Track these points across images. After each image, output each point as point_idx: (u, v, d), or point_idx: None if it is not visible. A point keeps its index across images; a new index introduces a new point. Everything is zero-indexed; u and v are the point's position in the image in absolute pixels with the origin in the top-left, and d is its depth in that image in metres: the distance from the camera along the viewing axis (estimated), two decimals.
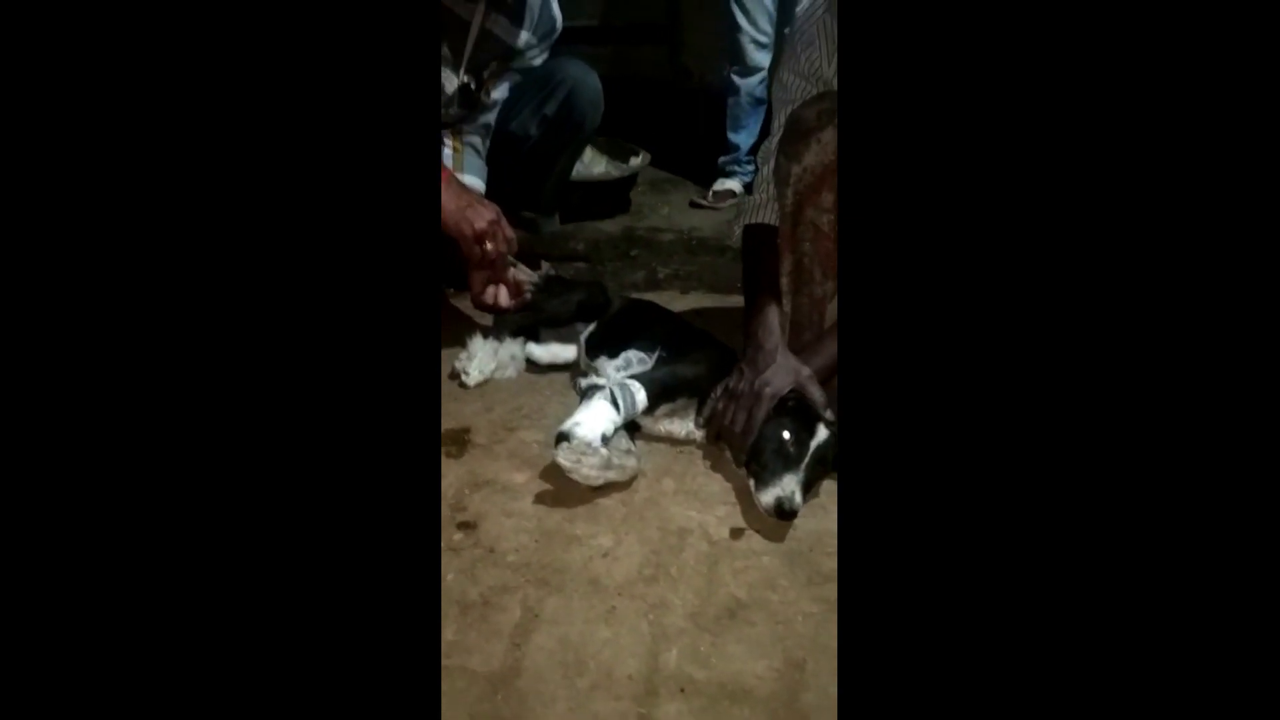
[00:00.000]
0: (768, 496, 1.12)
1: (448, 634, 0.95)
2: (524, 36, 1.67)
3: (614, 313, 1.56)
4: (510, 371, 1.52)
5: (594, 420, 1.19)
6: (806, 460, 1.15)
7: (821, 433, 1.18)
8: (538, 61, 1.74)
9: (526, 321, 1.57)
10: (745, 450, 1.20)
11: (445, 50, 1.58)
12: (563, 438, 1.17)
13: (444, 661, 0.91)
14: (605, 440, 1.18)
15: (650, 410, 1.28)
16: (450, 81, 1.62)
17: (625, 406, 1.23)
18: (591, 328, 1.53)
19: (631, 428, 1.31)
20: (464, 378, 1.47)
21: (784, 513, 1.10)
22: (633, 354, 1.36)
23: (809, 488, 1.15)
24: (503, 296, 1.54)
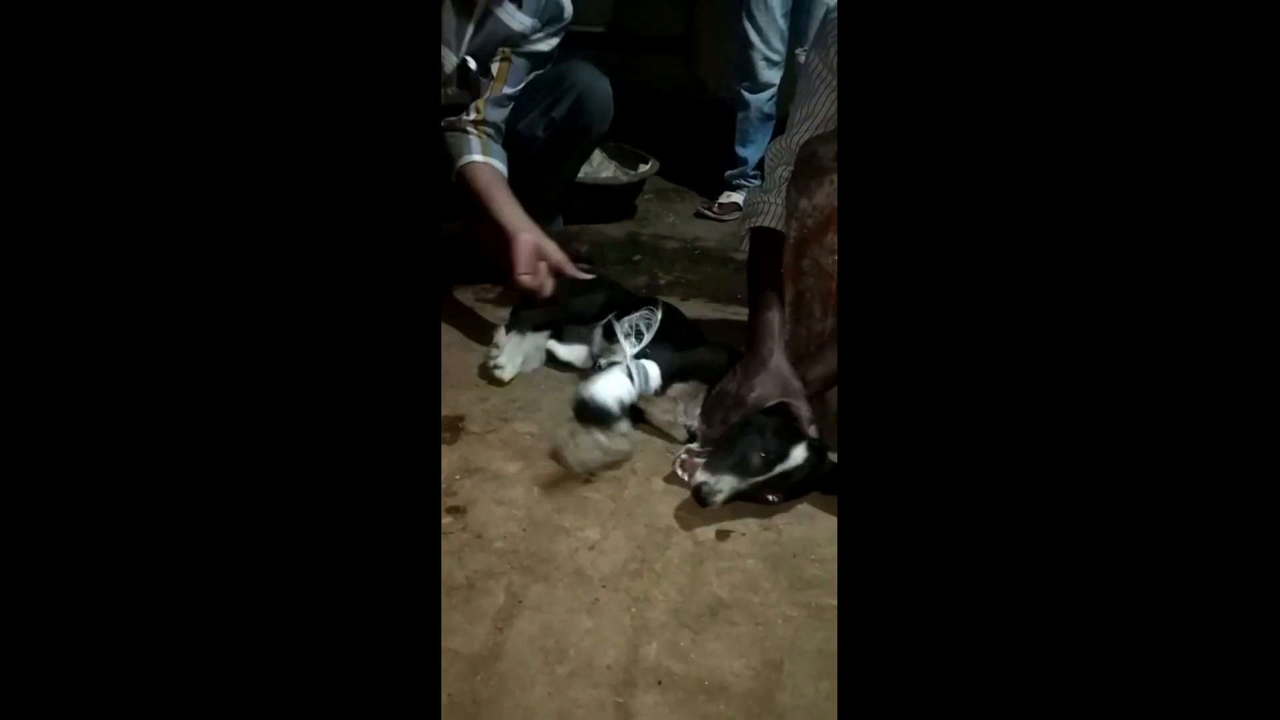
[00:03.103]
0: (700, 475, 1.15)
1: None
2: (528, 21, 1.66)
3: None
4: (535, 364, 1.53)
5: (610, 387, 1.21)
6: (758, 479, 1.16)
7: (795, 456, 1.17)
8: (544, 47, 1.72)
9: (549, 318, 1.57)
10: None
11: (445, 31, 1.59)
12: (583, 406, 1.19)
13: None
14: (621, 407, 1.20)
15: (663, 388, 1.30)
16: (449, 60, 1.62)
17: (639, 381, 1.25)
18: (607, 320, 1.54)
19: (635, 415, 1.32)
20: (498, 372, 1.48)
21: (699, 497, 1.14)
22: (638, 317, 1.38)
23: (746, 498, 1.17)
24: (548, 285, 1.56)
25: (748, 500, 1.18)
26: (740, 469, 1.16)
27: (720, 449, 1.19)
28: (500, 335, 1.51)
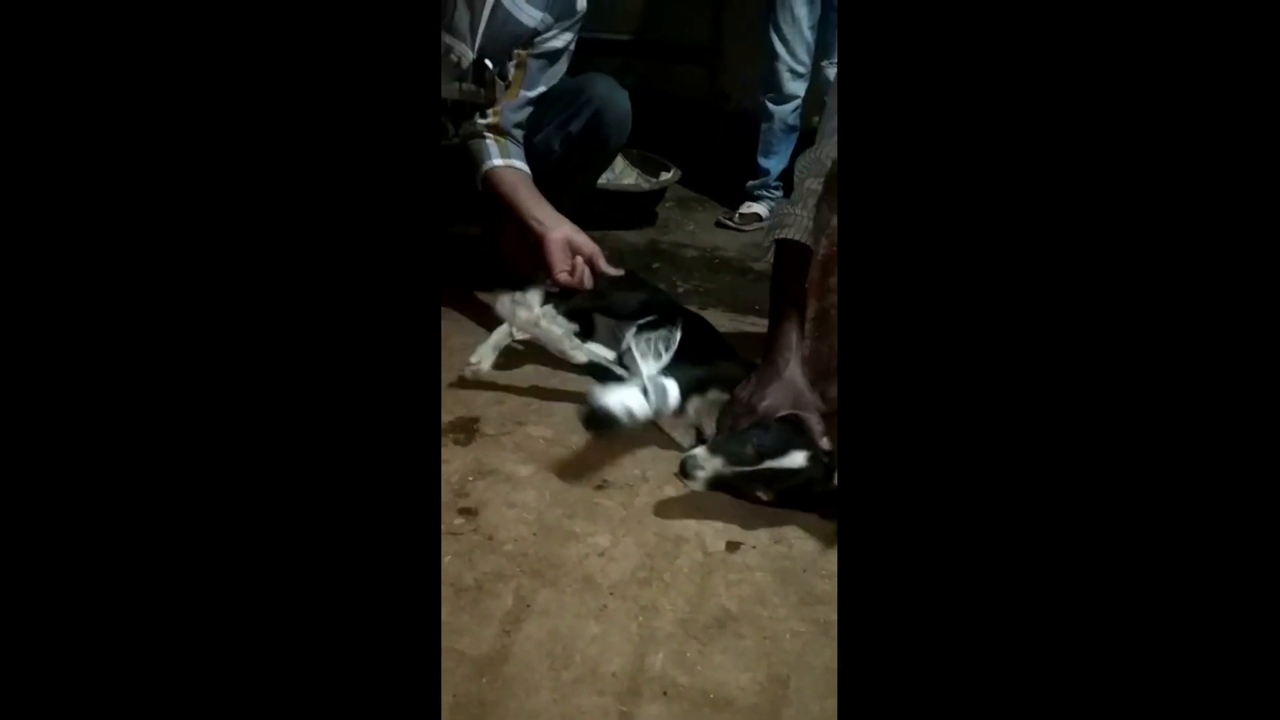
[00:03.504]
0: (695, 450, 1.17)
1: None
2: (536, 14, 1.64)
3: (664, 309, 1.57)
4: (550, 334, 1.46)
5: (622, 397, 1.21)
6: (744, 469, 1.16)
7: (792, 459, 1.17)
8: (559, 43, 1.70)
9: (585, 305, 1.54)
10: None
11: (459, 23, 1.59)
12: (591, 415, 1.19)
13: None
14: (630, 416, 1.20)
15: (683, 405, 1.29)
16: (465, 55, 1.62)
17: (656, 399, 1.25)
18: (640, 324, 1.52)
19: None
20: (474, 366, 1.46)
21: (683, 470, 1.16)
22: (657, 336, 1.38)
23: (726, 486, 1.18)
24: (587, 278, 1.57)
25: (736, 494, 1.18)
26: (731, 455, 1.16)
27: (719, 438, 1.21)
28: (533, 294, 1.45)
